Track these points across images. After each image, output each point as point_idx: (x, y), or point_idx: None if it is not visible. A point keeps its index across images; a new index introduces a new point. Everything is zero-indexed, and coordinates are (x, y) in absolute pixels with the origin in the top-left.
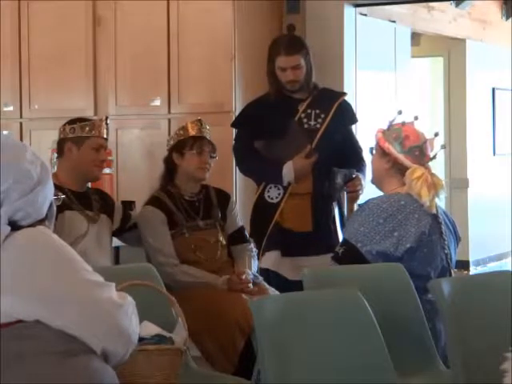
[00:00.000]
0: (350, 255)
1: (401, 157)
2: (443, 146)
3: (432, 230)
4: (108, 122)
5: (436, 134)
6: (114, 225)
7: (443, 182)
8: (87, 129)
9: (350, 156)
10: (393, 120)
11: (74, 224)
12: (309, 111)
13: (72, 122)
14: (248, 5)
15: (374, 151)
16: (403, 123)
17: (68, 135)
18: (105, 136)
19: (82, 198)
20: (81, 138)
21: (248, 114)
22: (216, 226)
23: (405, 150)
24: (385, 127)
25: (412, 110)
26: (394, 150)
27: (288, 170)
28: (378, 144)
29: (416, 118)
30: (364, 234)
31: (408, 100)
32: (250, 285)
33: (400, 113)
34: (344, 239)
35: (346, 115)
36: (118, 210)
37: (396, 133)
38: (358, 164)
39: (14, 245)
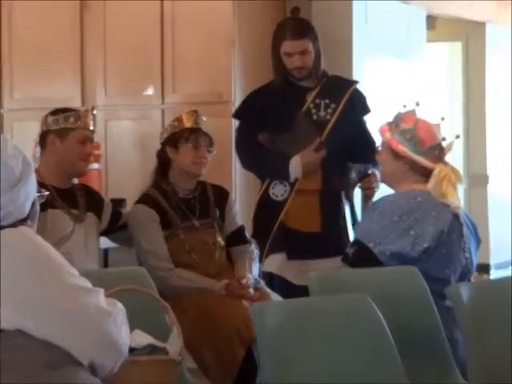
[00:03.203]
0: (362, 256)
1: (418, 159)
2: (457, 136)
3: (452, 229)
4: (95, 112)
5: (457, 137)
6: (102, 224)
7: (460, 173)
8: (72, 120)
9: (363, 149)
10: (398, 113)
11: (57, 224)
12: (318, 101)
13: (55, 112)
14: None
15: (380, 148)
16: (416, 122)
17: (51, 127)
18: (91, 128)
19: (67, 195)
20: (65, 130)
21: (251, 103)
22: (213, 226)
23: (422, 150)
24: (389, 122)
25: (427, 101)
26: (410, 152)
27: (295, 165)
28: (389, 146)
29: (417, 104)
30: (377, 232)
31: (423, 89)
32: (251, 290)
33: (405, 106)
34: (355, 239)
35: (358, 105)
36: (107, 207)
37: (410, 133)
38: (372, 158)
39: None
